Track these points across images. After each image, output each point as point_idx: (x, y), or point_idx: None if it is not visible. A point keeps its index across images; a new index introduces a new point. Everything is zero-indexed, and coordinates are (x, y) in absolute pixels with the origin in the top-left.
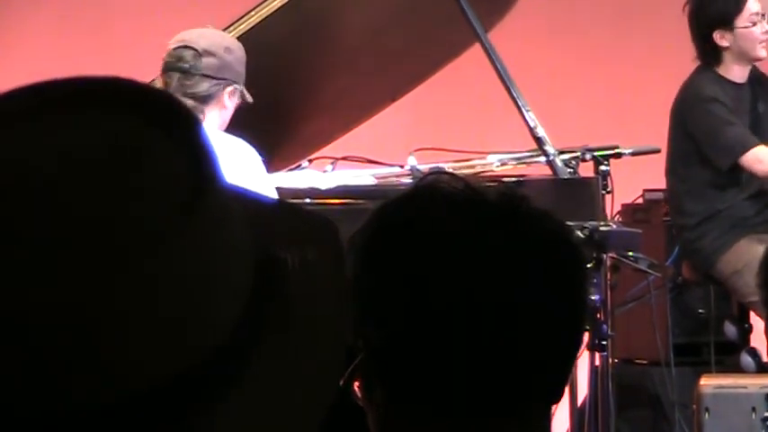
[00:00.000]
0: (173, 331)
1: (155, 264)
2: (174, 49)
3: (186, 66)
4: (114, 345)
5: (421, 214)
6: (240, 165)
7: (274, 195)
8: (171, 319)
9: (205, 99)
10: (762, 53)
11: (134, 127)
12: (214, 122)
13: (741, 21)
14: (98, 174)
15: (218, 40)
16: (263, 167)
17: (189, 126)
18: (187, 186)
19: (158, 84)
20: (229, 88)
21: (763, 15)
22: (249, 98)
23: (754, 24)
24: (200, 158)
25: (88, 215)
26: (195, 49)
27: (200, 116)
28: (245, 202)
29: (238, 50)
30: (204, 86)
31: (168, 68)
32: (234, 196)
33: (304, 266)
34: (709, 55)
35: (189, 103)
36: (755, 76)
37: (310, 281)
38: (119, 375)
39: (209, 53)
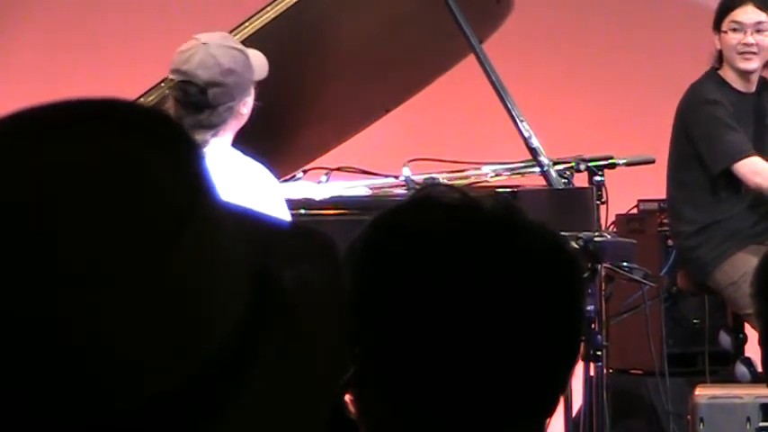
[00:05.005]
0: (171, 345)
1: (146, 279)
2: (180, 82)
3: (195, 99)
4: (119, 359)
5: (417, 224)
6: (252, 185)
7: (287, 216)
8: (167, 334)
9: (223, 120)
10: (740, 63)
11: (130, 146)
12: (233, 131)
13: (724, 25)
14: (93, 190)
15: (216, 68)
16: (277, 189)
17: (182, 144)
18: (179, 201)
19: (169, 106)
20: (241, 102)
21: (757, 28)
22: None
23: (734, 31)
24: (192, 175)
25: (86, 227)
26: (197, 85)
27: (223, 133)
28: (242, 219)
29: (239, 61)
30: (219, 113)
31: (178, 99)
32: (229, 214)
33: (302, 282)
34: (716, 57)
35: (206, 135)
36: (765, 84)
37: (308, 295)
38: (124, 390)
39: (212, 84)
